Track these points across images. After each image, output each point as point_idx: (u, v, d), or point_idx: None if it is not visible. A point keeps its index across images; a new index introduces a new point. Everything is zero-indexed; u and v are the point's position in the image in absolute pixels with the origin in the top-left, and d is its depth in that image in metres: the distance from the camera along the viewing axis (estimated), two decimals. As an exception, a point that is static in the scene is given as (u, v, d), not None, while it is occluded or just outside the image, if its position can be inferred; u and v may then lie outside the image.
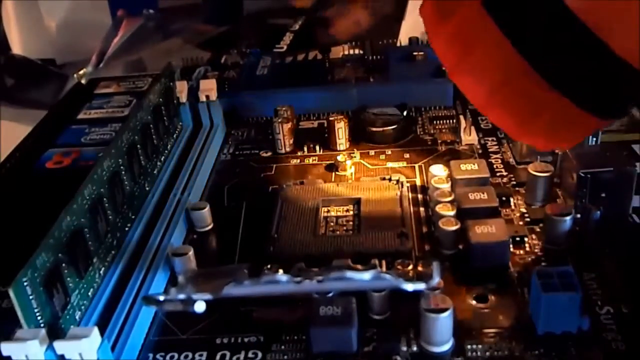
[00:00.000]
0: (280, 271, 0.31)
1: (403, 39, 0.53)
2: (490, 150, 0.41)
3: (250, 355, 0.27)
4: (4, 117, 0.57)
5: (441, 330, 0.26)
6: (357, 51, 0.53)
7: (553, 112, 0.25)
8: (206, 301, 0.23)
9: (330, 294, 0.27)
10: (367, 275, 0.23)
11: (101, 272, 0.30)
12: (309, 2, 0.42)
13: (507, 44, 0.24)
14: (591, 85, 0.24)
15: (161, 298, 0.24)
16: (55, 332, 0.25)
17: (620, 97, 0.25)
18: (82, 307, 0.28)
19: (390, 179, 0.37)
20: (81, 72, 0.52)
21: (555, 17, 0.22)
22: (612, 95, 0.24)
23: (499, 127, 0.29)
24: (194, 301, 0.23)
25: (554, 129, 0.26)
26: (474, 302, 0.29)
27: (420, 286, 0.23)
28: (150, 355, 0.28)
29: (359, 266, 0.26)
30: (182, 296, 0.23)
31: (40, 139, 0.38)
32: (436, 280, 0.23)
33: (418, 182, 0.38)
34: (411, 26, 0.53)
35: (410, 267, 0.31)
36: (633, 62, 0.22)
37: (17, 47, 0.65)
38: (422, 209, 0.35)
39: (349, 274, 0.23)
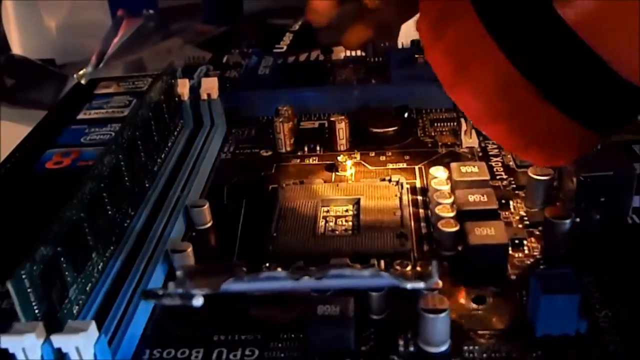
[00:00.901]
0: (279, 269, 0.31)
1: (402, 40, 0.53)
2: (490, 153, 0.41)
3: (247, 352, 0.27)
4: (4, 117, 0.57)
5: (438, 330, 0.26)
6: (359, 53, 0.53)
7: (549, 126, 0.24)
8: (204, 296, 0.23)
9: (329, 293, 0.27)
10: (365, 273, 0.23)
11: (100, 267, 0.30)
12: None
13: (503, 58, 0.24)
14: (588, 100, 0.24)
15: (160, 292, 0.24)
16: (53, 325, 0.25)
17: (618, 112, 0.25)
18: (80, 302, 0.28)
19: (390, 180, 0.37)
20: (81, 72, 0.52)
21: (553, 32, 0.22)
22: (609, 111, 0.24)
23: (497, 142, 0.29)
24: (192, 296, 0.23)
25: (552, 144, 0.26)
26: (472, 303, 0.29)
27: (419, 285, 0.23)
28: (147, 350, 0.28)
29: (357, 265, 0.25)
30: (180, 291, 0.23)
31: (40, 139, 0.38)
32: (435, 279, 0.23)
33: (418, 184, 0.38)
34: (411, 28, 0.53)
35: (409, 267, 0.31)
36: (629, 78, 0.22)
37: (17, 47, 0.65)
38: (421, 210, 0.35)
39: (348, 271, 0.23)
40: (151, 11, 0.61)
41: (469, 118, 0.26)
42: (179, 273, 0.24)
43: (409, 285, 0.23)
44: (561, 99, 0.24)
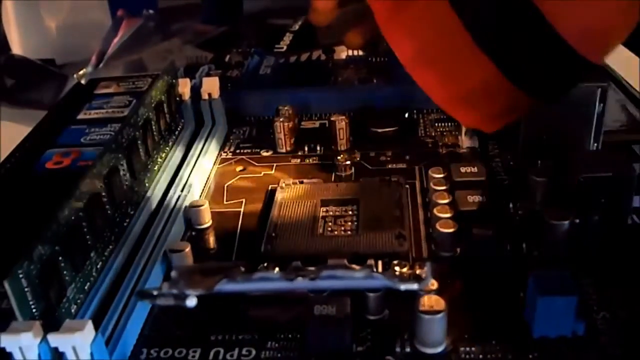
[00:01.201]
0: (277, 269, 0.31)
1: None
2: (491, 153, 0.41)
3: (244, 352, 0.27)
4: (4, 117, 0.57)
5: (435, 331, 0.26)
6: (360, 53, 0.53)
7: (482, 83, 0.24)
8: (198, 297, 0.24)
9: (325, 293, 0.27)
10: (358, 274, 0.23)
11: (99, 266, 0.31)
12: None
13: (446, 2, 0.23)
14: (527, 61, 0.23)
15: (154, 293, 0.24)
16: (51, 324, 0.25)
17: (557, 80, 0.24)
18: (79, 301, 0.28)
19: (389, 180, 0.37)
20: (81, 72, 0.52)
21: None
22: (550, 77, 0.23)
23: (425, 91, 0.27)
24: (186, 296, 0.23)
25: (481, 102, 0.25)
26: (469, 304, 0.29)
27: (412, 286, 0.23)
28: (145, 350, 0.28)
29: (354, 266, 0.26)
30: (174, 291, 0.23)
31: (40, 139, 0.38)
32: (428, 280, 0.23)
33: (417, 184, 0.38)
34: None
35: (407, 268, 0.31)
36: (569, 39, 0.21)
37: (17, 47, 0.65)
38: (420, 210, 0.35)
39: (340, 272, 0.23)
40: (151, 11, 0.62)
41: (401, 59, 0.25)
42: (173, 273, 0.24)
43: (402, 287, 0.23)
44: (500, 54, 0.23)
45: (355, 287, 0.25)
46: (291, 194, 0.37)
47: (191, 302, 0.23)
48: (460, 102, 0.25)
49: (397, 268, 0.29)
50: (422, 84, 0.26)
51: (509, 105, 0.25)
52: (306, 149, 0.43)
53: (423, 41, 0.24)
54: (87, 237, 0.30)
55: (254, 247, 0.33)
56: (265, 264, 0.31)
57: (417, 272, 0.23)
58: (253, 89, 0.48)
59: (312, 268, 0.25)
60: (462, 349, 0.26)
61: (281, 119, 0.42)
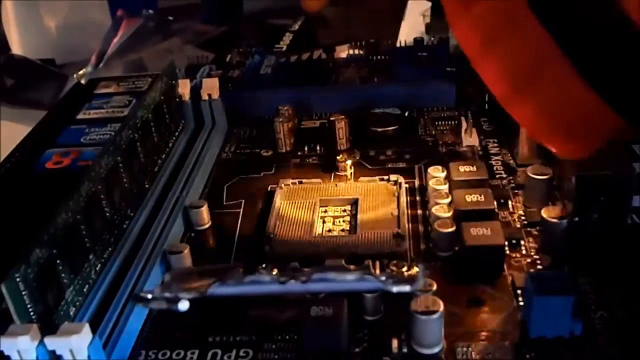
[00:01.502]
0: (275, 271, 0.31)
1: (402, 38, 0.53)
2: (491, 152, 0.40)
3: (241, 354, 0.27)
4: (4, 117, 0.57)
5: (431, 332, 0.26)
6: (361, 51, 0.53)
7: (583, 112, 0.23)
8: (192, 300, 0.24)
9: (322, 295, 0.27)
10: (350, 277, 0.23)
11: (97, 268, 0.31)
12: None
13: (540, 30, 0.22)
14: (632, 87, 0.22)
15: (148, 296, 0.24)
16: (49, 328, 0.26)
17: None
18: (77, 303, 0.29)
19: (388, 180, 0.37)
20: (81, 72, 0.52)
21: (607, 17, 0.21)
22: None
23: (521, 124, 0.27)
24: (178, 300, 0.23)
25: (580, 132, 0.24)
26: (467, 305, 0.29)
27: (405, 288, 0.23)
28: (143, 352, 0.28)
29: (351, 266, 0.26)
30: (167, 294, 0.23)
31: (40, 139, 0.38)
32: (420, 282, 0.23)
33: (417, 183, 0.38)
34: (411, 26, 0.53)
35: (405, 268, 0.31)
36: None
37: (17, 47, 0.66)
38: (419, 210, 0.35)
39: (332, 275, 0.23)
40: (151, 11, 0.62)
41: (496, 95, 0.24)
42: (166, 277, 0.24)
43: (395, 289, 0.23)
44: (603, 82, 0.22)
45: (347, 290, 0.25)
46: (290, 194, 0.37)
47: (183, 306, 0.24)
48: (558, 134, 0.24)
49: (393, 268, 0.29)
50: (519, 117, 0.25)
51: (607, 135, 0.24)
52: (306, 149, 0.43)
53: (519, 74, 0.23)
54: (86, 239, 0.30)
55: (253, 248, 0.33)
56: (264, 265, 0.31)
57: (410, 273, 0.23)
58: (253, 89, 0.48)
59: (308, 269, 0.25)
60: (458, 349, 0.26)
61: (281, 119, 0.42)
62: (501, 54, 0.24)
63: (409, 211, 0.35)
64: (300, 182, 0.38)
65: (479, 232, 0.31)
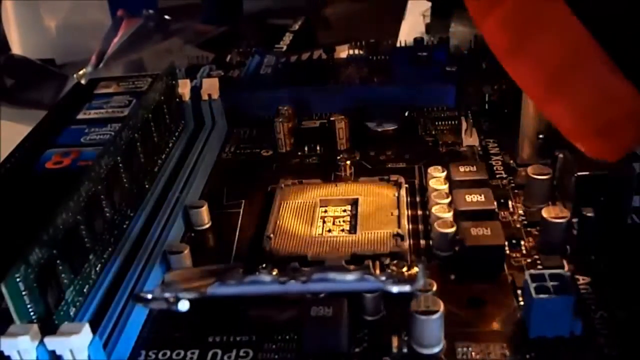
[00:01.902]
0: (275, 271, 0.31)
1: (402, 38, 0.53)
2: (491, 152, 0.40)
3: (241, 354, 0.27)
4: (4, 117, 0.57)
5: (431, 332, 0.26)
6: (361, 51, 0.53)
7: (623, 110, 0.22)
8: (191, 300, 0.24)
9: (322, 295, 0.27)
10: (350, 277, 0.23)
11: (97, 268, 0.31)
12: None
13: (577, 24, 0.21)
14: None
15: (148, 296, 0.24)
16: (49, 328, 0.26)
17: None
18: (77, 304, 0.29)
19: (388, 180, 0.37)
20: (81, 72, 0.52)
21: None
22: None
23: (553, 123, 0.25)
24: (178, 300, 0.23)
25: (618, 132, 0.23)
26: (467, 305, 0.29)
27: (405, 288, 0.23)
28: (143, 352, 0.28)
29: (351, 266, 0.26)
30: (167, 295, 0.23)
31: (40, 139, 0.38)
32: (421, 282, 0.23)
33: (417, 183, 0.38)
34: (411, 26, 0.53)
35: (405, 268, 0.31)
36: None
37: (17, 47, 0.65)
38: (419, 210, 0.35)
39: (332, 275, 0.23)
40: (151, 11, 0.62)
41: (529, 94, 0.23)
42: (166, 277, 0.24)
43: (395, 289, 0.23)
44: None
45: (347, 290, 0.25)
46: (290, 194, 0.37)
47: (183, 306, 0.24)
48: (593, 134, 0.23)
49: (393, 268, 0.29)
50: (553, 116, 0.24)
51: None
52: (306, 149, 0.43)
53: (553, 72, 0.22)
54: (86, 239, 0.30)
55: (253, 248, 0.33)
56: (264, 265, 0.32)
57: (410, 273, 0.23)
58: (253, 89, 0.48)
59: (308, 269, 0.25)
60: (458, 349, 0.26)
61: (281, 119, 0.42)
62: (534, 51, 0.22)
63: (409, 211, 0.35)
64: (300, 182, 0.38)
65: (479, 232, 0.31)
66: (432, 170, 0.36)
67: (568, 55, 0.22)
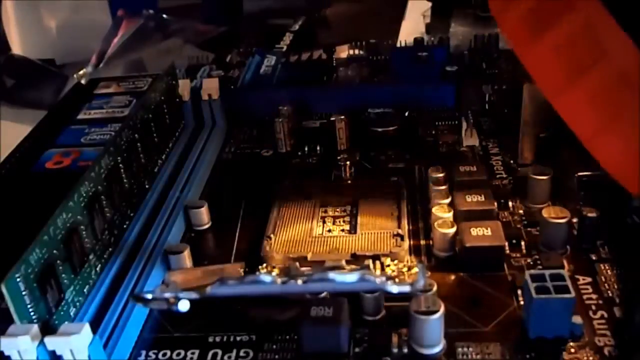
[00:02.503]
0: (275, 271, 0.31)
1: (402, 38, 0.53)
2: (491, 152, 0.40)
3: (242, 354, 0.27)
4: (4, 117, 0.57)
5: (431, 332, 0.26)
6: (361, 52, 0.53)
7: None
8: (191, 300, 0.24)
9: (322, 295, 0.27)
10: (350, 277, 0.23)
11: (97, 268, 0.31)
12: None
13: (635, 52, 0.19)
14: None
15: (149, 296, 0.24)
16: (49, 328, 0.26)
17: None
18: (77, 304, 0.29)
19: (388, 180, 0.37)
20: (81, 72, 0.52)
21: None
22: None
23: (599, 162, 0.23)
24: (178, 300, 0.23)
25: None
26: (467, 305, 0.29)
27: (405, 288, 0.23)
28: (143, 352, 0.28)
29: (351, 266, 0.26)
30: (167, 295, 0.23)
31: (40, 139, 0.38)
32: (421, 282, 0.23)
33: (417, 184, 0.38)
34: (411, 26, 0.53)
35: (405, 268, 0.31)
36: None
37: (17, 47, 0.65)
38: (419, 210, 0.35)
39: (332, 275, 0.23)
40: (151, 11, 0.62)
41: (580, 136, 0.21)
42: (166, 277, 0.24)
43: (395, 290, 0.23)
44: None
45: (347, 290, 0.25)
46: (290, 194, 0.37)
47: (183, 306, 0.24)
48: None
49: (393, 268, 0.29)
50: (602, 156, 0.22)
51: None
52: (306, 149, 0.43)
53: (606, 110, 0.20)
54: (86, 239, 0.30)
55: (253, 248, 0.33)
56: (264, 265, 0.32)
57: (410, 273, 0.23)
58: (253, 89, 0.48)
59: (307, 269, 0.25)
60: (458, 349, 0.26)
61: (281, 119, 0.42)
62: (587, 85, 0.21)
63: (409, 211, 0.35)
64: (301, 182, 0.38)
65: (479, 232, 0.31)
66: (432, 170, 0.36)
67: (620, 93, 0.20)
